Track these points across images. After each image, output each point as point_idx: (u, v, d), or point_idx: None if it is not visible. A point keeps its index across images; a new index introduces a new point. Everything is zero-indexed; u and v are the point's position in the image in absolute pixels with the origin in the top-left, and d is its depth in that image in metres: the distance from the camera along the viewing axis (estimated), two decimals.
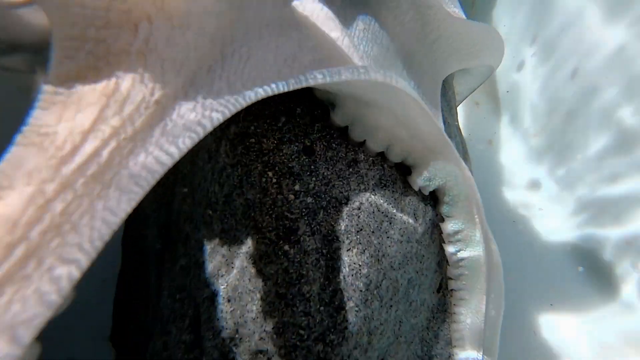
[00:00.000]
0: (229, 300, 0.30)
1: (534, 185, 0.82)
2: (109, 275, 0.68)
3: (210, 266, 0.31)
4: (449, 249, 0.36)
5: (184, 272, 0.34)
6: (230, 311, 0.29)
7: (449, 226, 0.35)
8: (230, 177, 0.31)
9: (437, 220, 0.36)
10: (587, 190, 0.73)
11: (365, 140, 0.31)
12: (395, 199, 0.33)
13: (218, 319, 0.29)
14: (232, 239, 0.30)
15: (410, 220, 0.34)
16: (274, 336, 0.28)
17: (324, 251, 0.29)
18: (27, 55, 0.36)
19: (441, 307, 0.40)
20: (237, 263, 0.30)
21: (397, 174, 0.34)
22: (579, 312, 0.71)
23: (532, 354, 0.66)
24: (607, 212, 0.71)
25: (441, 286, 0.40)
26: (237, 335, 0.29)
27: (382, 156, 0.33)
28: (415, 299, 0.36)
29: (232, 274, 0.30)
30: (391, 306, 0.32)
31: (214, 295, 0.30)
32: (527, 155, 0.83)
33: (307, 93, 0.32)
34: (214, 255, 0.31)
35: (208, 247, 0.32)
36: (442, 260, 0.39)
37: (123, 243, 0.58)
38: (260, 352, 0.28)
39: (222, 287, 0.30)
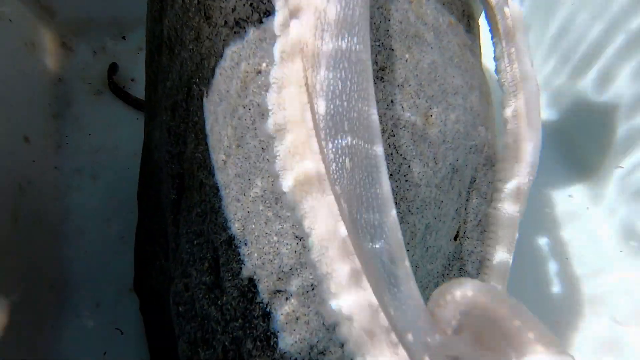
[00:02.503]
0: (245, 244, 0.30)
1: None
2: (128, 233, 0.70)
3: (226, 211, 0.31)
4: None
5: (201, 219, 0.34)
6: (248, 254, 0.30)
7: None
8: (242, 119, 0.29)
9: (456, 165, 0.35)
10: None
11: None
12: (414, 142, 0.31)
13: (236, 261, 0.30)
14: (247, 183, 0.30)
15: (430, 164, 0.32)
16: (292, 276, 0.28)
17: None
18: None
19: (457, 255, 0.40)
20: (253, 207, 0.29)
21: (417, 115, 0.32)
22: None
23: None
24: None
25: (458, 234, 0.39)
26: (255, 276, 0.29)
27: (401, 94, 0.31)
28: (432, 244, 0.35)
29: (248, 217, 0.30)
30: (408, 250, 0.32)
31: (231, 239, 0.30)
32: None
33: None
34: (229, 200, 0.31)
35: (223, 192, 0.31)
36: (460, 208, 0.38)
37: (138, 198, 0.59)
38: (279, 291, 0.29)
39: (239, 230, 0.30)
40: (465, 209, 0.39)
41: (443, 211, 0.35)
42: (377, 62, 0.31)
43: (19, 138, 0.70)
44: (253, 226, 0.30)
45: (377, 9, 0.31)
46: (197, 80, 0.35)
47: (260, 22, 0.29)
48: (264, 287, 0.29)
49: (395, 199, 0.30)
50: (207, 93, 0.33)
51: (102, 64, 0.91)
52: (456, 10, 0.39)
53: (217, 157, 0.32)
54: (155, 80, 0.47)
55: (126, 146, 0.84)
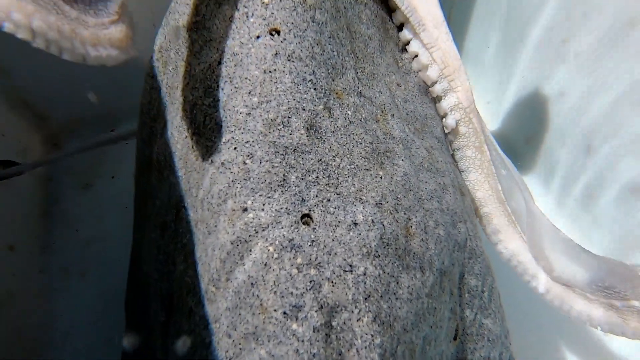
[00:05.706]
0: None
1: None
2: (116, 333, 0.66)
3: (217, 347, 0.30)
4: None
5: (191, 351, 0.33)
6: None
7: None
8: (230, 254, 0.30)
9: (443, 268, 0.36)
10: None
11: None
12: (399, 257, 0.32)
13: None
14: (237, 319, 0.29)
15: (418, 275, 0.33)
16: None
17: (334, 324, 0.28)
18: None
19: (460, 355, 0.38)
20: (245, 344, 0.29)
21: (398, 230, 0.33)
22: None
23: None
24: None
25: (457, 333, 0.38)
26: None
27: (380, 212, 0.32)
28: (432, 354, 0.34)
29: (240, 355, 0.29)
30: None
31: None
32: None
33: (300, 160, 0.32)
34: (220, 336, 0.30)
35: (213, 326, 0.31)
36: (455, 306, 0.38)
37: (126, 307, 0.57)
38: None
39: None
40: (459, 306, 0.39)
41: (438, 317, 0.35)
42: (354, 185, 0.32)
43: (2, 248, 0.69)
44: None
45: (349, 135, 0.34)
46: (186, 205, 0.36)
47: (245, 163, 0.31)
48: None
49: (388, 321, 0.30)
50: (195, 222, 0.34)
51: (89, 158, 0.94)
52: (419, 116, 0.42)
53: (207, 287, 0.32)
54: (144, 194, 0.49)
55: (115, 237, 0.83)
